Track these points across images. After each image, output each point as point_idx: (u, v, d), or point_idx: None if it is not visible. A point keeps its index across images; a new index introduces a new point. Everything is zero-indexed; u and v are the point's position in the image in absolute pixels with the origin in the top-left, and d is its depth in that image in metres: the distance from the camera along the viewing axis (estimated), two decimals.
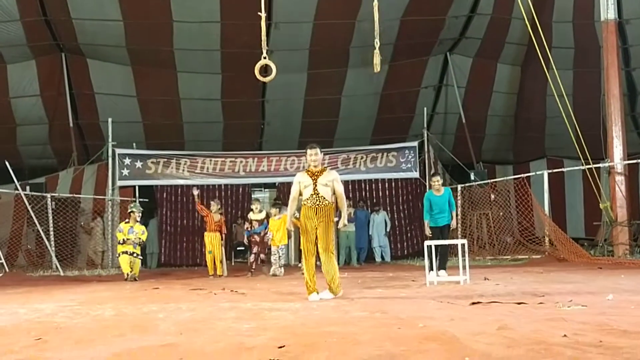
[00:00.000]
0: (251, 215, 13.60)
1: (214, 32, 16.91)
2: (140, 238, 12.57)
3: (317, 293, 7.40)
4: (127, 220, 12.81)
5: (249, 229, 13.64)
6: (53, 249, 14.85)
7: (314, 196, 7.46)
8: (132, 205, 13.27)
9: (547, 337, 4.09)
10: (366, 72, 18.82)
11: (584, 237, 17.27)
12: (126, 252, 12.33)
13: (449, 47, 19.04)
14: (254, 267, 13.39)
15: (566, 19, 17.56)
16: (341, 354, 3.73)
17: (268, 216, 13.56)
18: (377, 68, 8.89)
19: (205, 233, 13.56)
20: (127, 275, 12.19)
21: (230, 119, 19.59)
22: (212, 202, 13.90)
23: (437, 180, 10.96)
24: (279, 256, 13.39)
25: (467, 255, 9.21)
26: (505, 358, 3.51)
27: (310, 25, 16.74)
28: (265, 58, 9.10)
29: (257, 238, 13.43)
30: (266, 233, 13.32)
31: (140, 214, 12.78)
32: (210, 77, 18.57)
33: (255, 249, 13.48)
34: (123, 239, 12.48)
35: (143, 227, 12.78)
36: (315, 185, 7.47)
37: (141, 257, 12.85)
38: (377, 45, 8.82)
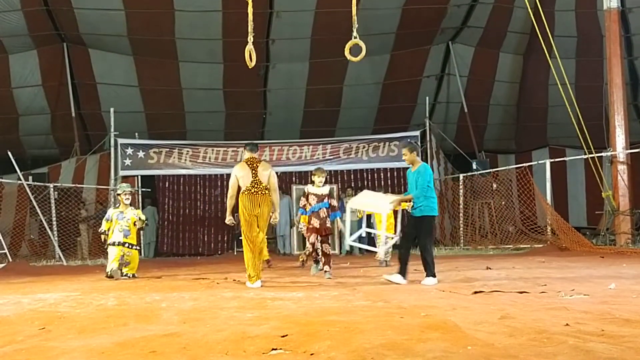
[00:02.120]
0: (309, 188, 9.94)
1: (215, 21, 16.86)
2: (140, 220, 10.32)
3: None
4: (117, 204, 10.76)
5: (305, 206, 9.98)
6: (56, 238, 14.88)
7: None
8: (118, 186, 11.08)
9: (549, 326, 4.10)
10: (368, 61, 18.79)
11: (586, 226, 17.27)
12: (115, 243, 10.02)
13: (451, 36, 18.97)
14: (306, 261, 10.66)
15: (569, 7, 17.50)
16: (343, 342, 3.74)
17: (331, 194, 10.03)
18: (249, 64, 8.95)
19: None
20: (111, 271, 9.80)
21: (232, 109, 19.57)
22: None
23: (403, 153, 8.33)
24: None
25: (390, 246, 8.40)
26: (508, 347, 3.52)
27: (312, 13, 16.69)
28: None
29: (315, 223, 9.61)
30: (328, 215, 9.77)
31: (130, 196, 10.52)
32: (211, 66, 18.53)
33: (312, 238, 9.64)
34: (105, 231, 10.26)
35: (137, 211, 10.59)
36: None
37: (137, 248, 10.44)
38: (250, 41, 8.85)
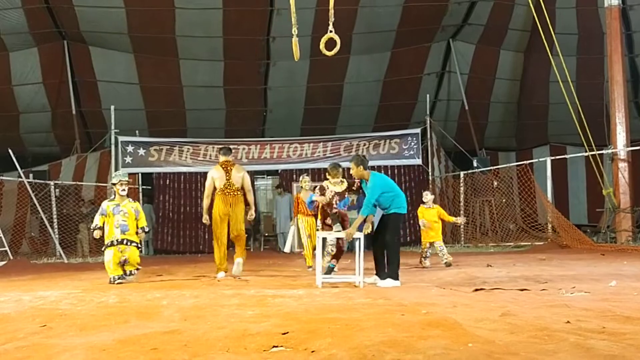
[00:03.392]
0: (330, 186, 8.81)
1: (215, 18, 16.87)
2: (142, 232, 8.97)
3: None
4: (112, 196, 9.23)
5: (318, 205, 9.02)
6: (57, 236, 14.87)
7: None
8: (114, 175, 9.52)
9: (550, 324, 4.10)
10: (369, 59, 18.84)
11: (587, 224, 17.28)
12: (113, 244, 8.64)
13: (451, 34, 18.97)
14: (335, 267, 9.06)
15: (570, 5, 17.50)
16: (344, 340, 3.74)
17: (350, 186, 8.60)
18: (296, 56, 8.84)
19: (299, 216, 10.66)
20: (115, 277, 8.53)
21: (232, 106, 19.58)
22: (302, 177, 11.00)
23: (351, 168, 8.00)
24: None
25: (362, 253, 7.38)
26: (508, 344, 3.52)
27: (313, 11, 16.68)
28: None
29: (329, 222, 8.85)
30: (344, 217, 8.81)
31: (127, 187, 8.95)
32: (212, 64, 18.54)
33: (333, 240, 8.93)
34: (100, 225, 8.81)
35: (135, 204, 9.08)
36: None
37: (138, 245, 8.94)
38: (295, 33, 8.79)
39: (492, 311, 4.75)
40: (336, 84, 19.36)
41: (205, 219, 9.25)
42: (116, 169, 16.90)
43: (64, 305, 5.98)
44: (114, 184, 9.01)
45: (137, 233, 8.91)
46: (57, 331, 4.44)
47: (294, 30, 8.85)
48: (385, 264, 7.59)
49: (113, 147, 17.17)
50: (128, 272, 8.71)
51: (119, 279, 8.54)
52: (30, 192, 14.61)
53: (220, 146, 9.88)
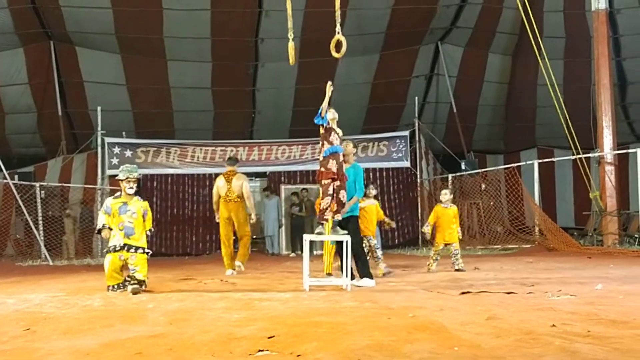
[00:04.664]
0: (335, 126, 8.26)
1: (204, 19, 16.80)
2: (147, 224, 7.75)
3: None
4: (117, 193, 7.84)
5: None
6: (42, 238, 14.76)
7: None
8: (121, 168, 7.95)
9: (535, 327, 4.11)
10: (358, 61, 18.82)
11: (574, 227, 17.35)
12: (116, 248, 7.51)
13: (440, 37, 19.01)
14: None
15: (557, 8, 17.58)
16: (331, 343, 3.73)
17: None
18: (292, 60, 8.84)
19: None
20: (112, 287, 7.54)
21: (220, 108, 19.49)
22: None
23: (344, 145, 8.10)
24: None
25: (349, 255, 7.36)
26: (494, 348, 3.52)
27: (301, 13, 16.67)
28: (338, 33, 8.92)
29: (333, 167, 7.61)
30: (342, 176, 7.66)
31: (134, 185, 7.72)
32: (200, 65, 18.45)
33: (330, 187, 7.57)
34: (107, 225, 7.64)
35: (144, 204, 7.81)
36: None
37: (149, 251, 7.73)
38: (291, 38, 8.84)
39: (479, 314, 4.76)
40: (325, 86, 19.30)
41: (218, 218, 10.50)
42: (103, 171, 16.82)
43: (48, 309, 5.94)
44: (121, 180, 7.70)
45: (144, 222, 7.72)
46: (41, 335, 4.41)
47: (290, 35, 8.93)
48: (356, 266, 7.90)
49: (100, 148, 17.06)
50: (134, 283, 7.41)
51: (117, 288, 7.52)
52: (16, 193, 14.49)
53: (229, 156, 11.22)
